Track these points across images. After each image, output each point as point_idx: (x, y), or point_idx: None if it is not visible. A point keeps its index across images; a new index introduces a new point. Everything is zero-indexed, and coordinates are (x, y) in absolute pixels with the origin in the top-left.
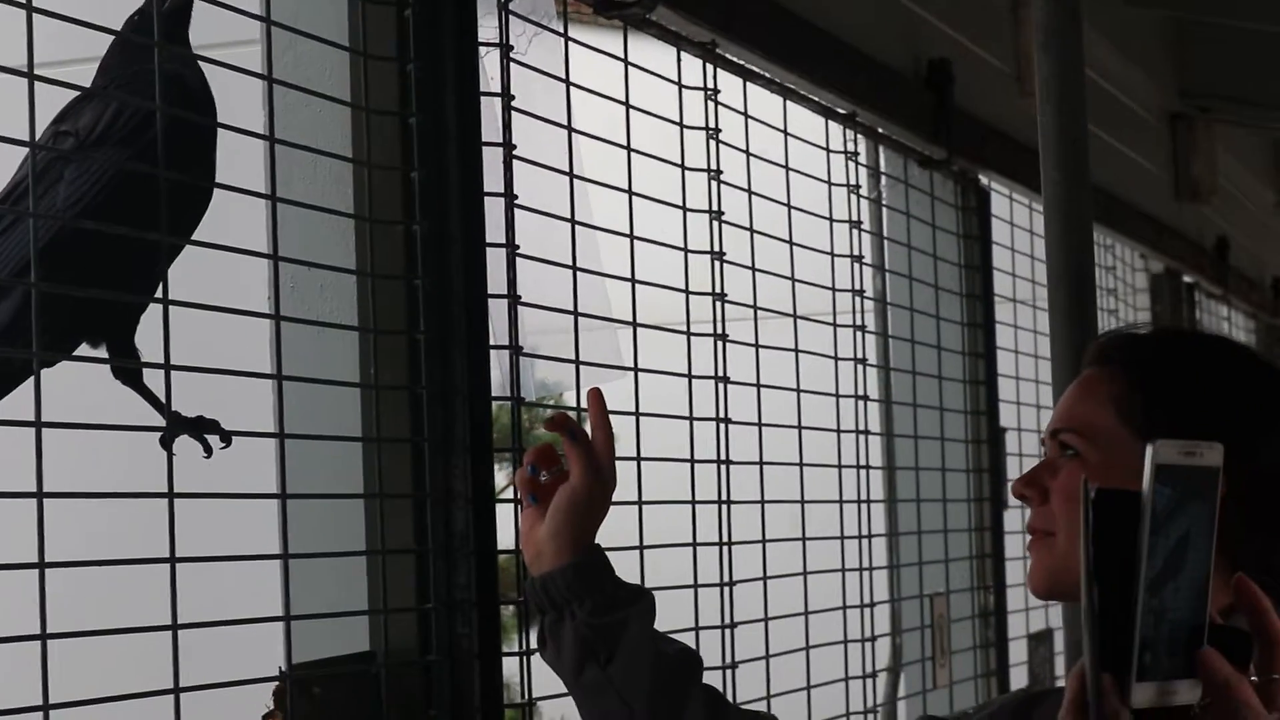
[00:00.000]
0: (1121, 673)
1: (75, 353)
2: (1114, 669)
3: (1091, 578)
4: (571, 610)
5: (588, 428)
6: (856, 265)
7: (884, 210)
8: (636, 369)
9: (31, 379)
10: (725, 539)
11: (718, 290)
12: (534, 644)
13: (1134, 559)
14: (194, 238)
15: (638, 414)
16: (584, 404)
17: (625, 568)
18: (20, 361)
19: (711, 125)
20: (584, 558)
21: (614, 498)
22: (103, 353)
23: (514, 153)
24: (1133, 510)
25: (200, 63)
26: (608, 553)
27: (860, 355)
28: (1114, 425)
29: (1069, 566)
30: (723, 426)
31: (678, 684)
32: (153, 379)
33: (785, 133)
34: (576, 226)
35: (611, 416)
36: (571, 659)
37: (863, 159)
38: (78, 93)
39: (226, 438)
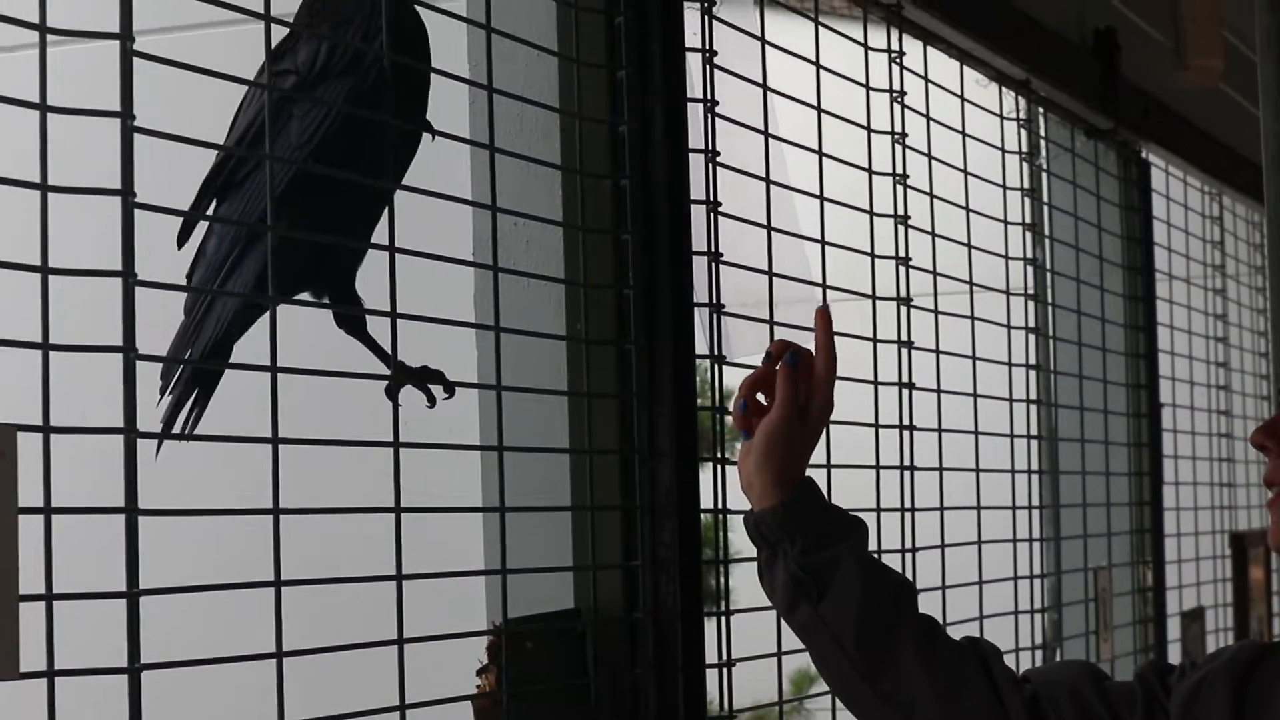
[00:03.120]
0: None
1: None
2: None
3: None
4: (783, 549)
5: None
6: (1029, 234)
7: (1050, 179)
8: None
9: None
10: (908, 505)
11: (901, 254)
12: (733, 605)
13: None
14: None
15: None
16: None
17: None
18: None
19: (896, 88)
20: (793, 495)
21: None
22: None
23: (714, 111)
24: None
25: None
26: None
27: (1033, 325)
28: None
29: None
30: (906, 392)
31: (888, 621)
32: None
33: (962, 98)
34: (772, 188)
35: None
36: (785, 597)
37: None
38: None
39: (450, 388)
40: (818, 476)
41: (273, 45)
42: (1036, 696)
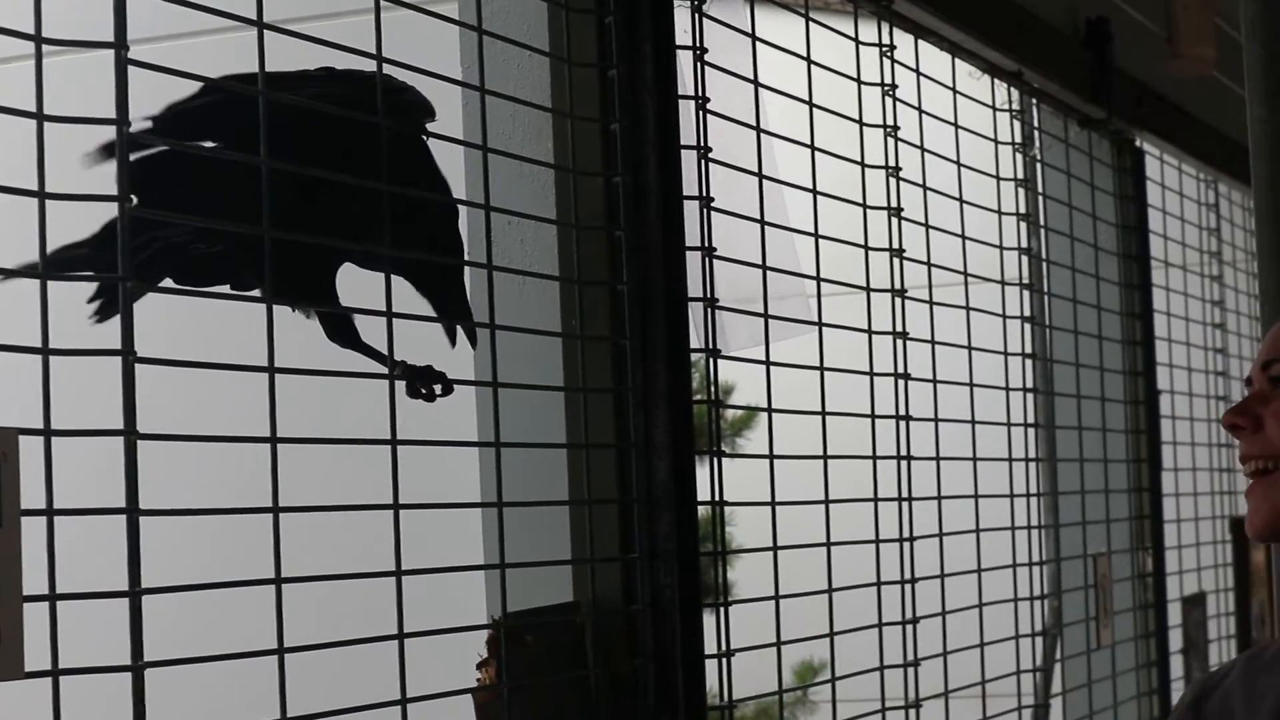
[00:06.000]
0: None
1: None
2: None
3: None
4: None
5: None
6: (1023, 224)
7: (1044, 169)
8: (821, 324)
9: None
10: (906, 495)
11: (895, 246)
12: (730, 596)
13: None
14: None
15: (822, 369)
16: (774, 358)
17: (809, 521)
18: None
19: (888, 82)
20: None
21: (800, 452)
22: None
23: (706, 107)
24: None
25: (409, 11)
26: (785, 506)
27: (1028, 314)
28: None
29: None
30: (902, 383)
31: None
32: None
33: (954, 90)
34: (764, 184)
35: (796, 372)
36: None
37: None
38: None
39: (449, 387)
40: (813, 468)
41: (264, 51)
42: None
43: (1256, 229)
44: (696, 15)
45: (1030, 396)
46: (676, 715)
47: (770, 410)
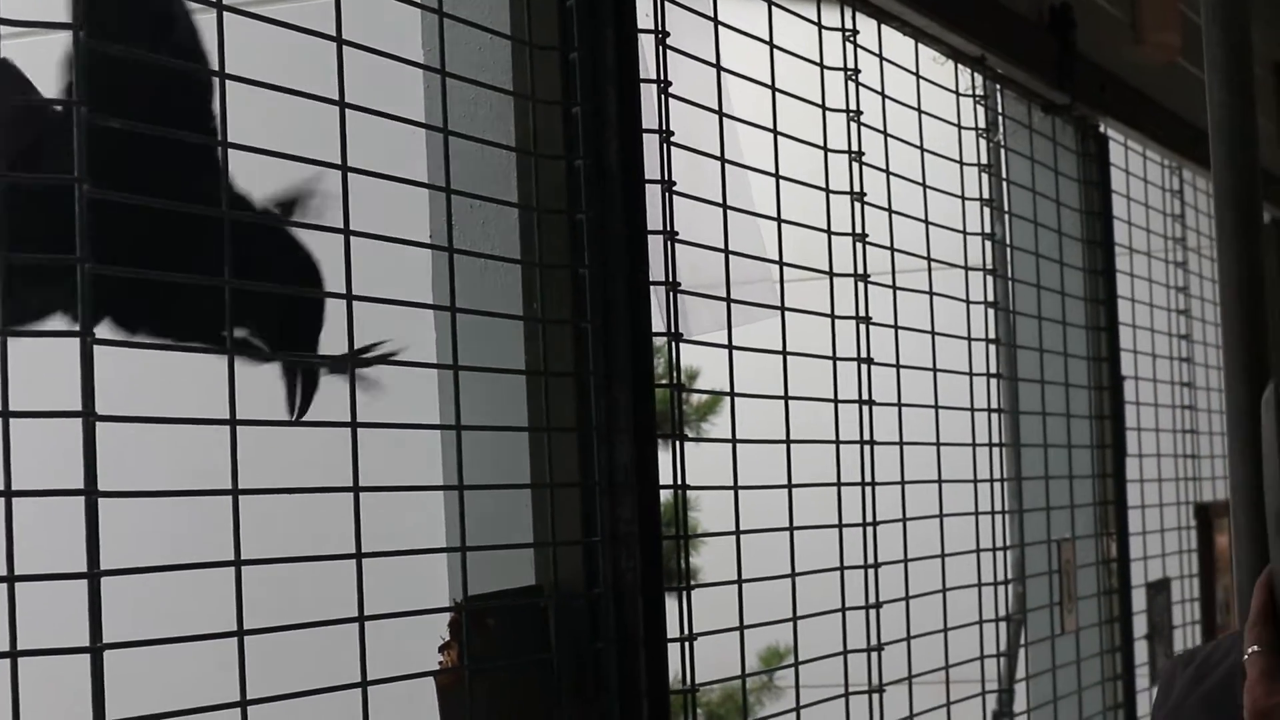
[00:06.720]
0: None
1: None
2: None
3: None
4: None
5: None
6: (987, 209)
7: (1008, 155)
8: (784, 309)
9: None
10: (869, 479)
11: (858, 231)
12: (693, 580)
13: None
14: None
15: (785, 354)
16: (736, 342)
17: (771, 506)
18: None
19: (850, 67)
20: None
21: (763, 437)
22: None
23: (668, 91)
24: None
25: None
26: (748, 490)
27: (992, 299)
28: None
29: None
30: (864, 367)
31: None
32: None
33: (918, 75)
34: (726, 166)
35: (759, 356)
36: None
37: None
38: None
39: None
40: (776, 452)
41: (223, 33)
42: None
43: (1216, 213)
44: None
45: (994, 382)
46: (639, 699)
47: (733, 395)
